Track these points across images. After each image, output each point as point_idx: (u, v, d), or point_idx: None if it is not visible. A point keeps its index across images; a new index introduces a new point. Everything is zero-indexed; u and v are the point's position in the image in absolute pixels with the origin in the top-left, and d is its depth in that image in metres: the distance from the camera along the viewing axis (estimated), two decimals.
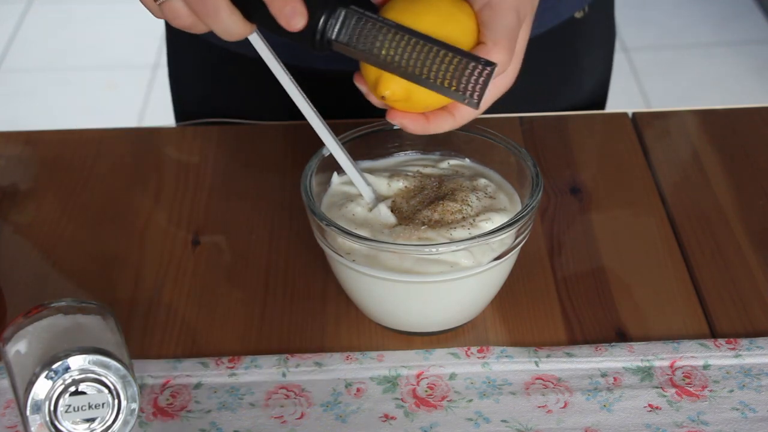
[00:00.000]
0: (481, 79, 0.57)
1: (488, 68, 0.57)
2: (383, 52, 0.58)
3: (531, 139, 0.90)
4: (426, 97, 0.61)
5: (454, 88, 0.58)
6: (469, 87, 0.57)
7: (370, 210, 0.69)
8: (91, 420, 0.59)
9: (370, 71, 0.61)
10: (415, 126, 0.63)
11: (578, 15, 0.94)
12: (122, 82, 2.57)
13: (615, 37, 1.04)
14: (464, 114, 0.63)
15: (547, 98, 0.98)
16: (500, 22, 0.60)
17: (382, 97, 0.61)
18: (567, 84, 0.99)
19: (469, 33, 0.61)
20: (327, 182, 0.72)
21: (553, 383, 0.67)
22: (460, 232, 0.67)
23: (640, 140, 0.90)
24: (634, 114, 0.93)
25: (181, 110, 1.05)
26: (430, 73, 0.58)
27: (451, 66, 0.57)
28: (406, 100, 0.61)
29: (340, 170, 0.71)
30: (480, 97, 0.57)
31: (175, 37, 1.01)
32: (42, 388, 0.58)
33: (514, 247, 0.68)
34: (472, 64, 0.57)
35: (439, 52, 0.58)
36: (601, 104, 1.05)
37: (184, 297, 0.75)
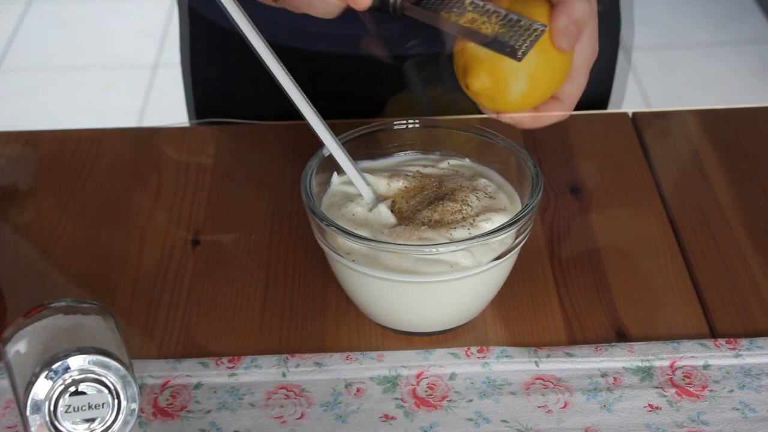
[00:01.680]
0: (529, 36, 0.62)
1: (537, 26, 0.62)
2: (444, 13, 0.63)
3: (531, 139, 0.89)
4: (509, 94, 0.64)
5: (504, 39, 0.62)
6: (517, 40, 0.62)
7: (370, 210, 0.69)
8: (91, 420, 0.59)
9: (458, 60, 0.65)
10: (527, 120, 0.66)
11: None
12: (122, 81, 2.57)
13: (620, 31, 1.03)
14: (569, 97, 0.65)
15: None
16: None
17: (467, 86, 0.65)
18: None
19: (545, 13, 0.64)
20: (327, 182, 0.72)
21: (553, 383, 0.67)
22: (460, 232, 0.67)
23: (640, 140, 0.90)
24: (634, 114, 0.93)
25: (197, 105, 1.05)
26: (481, 28, 0.62)
27: (502, 22, 0.62)
28: (491, 97, 0.64)
29: (340, 170, 0.71)
30: (525, 52, 0.61)
31: (196, 31, 1.00)
32: (42, 388, 0.58)
33: (514, 247, 0.68)
34: (522, 21, 0.62)
35: (493, 11, 0.62)
36: (604, 101, 1.05)
37: (184, 297, 0.75)
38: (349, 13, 0.64)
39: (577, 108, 0.97)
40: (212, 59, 1.00)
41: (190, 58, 1.03)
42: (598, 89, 1.03)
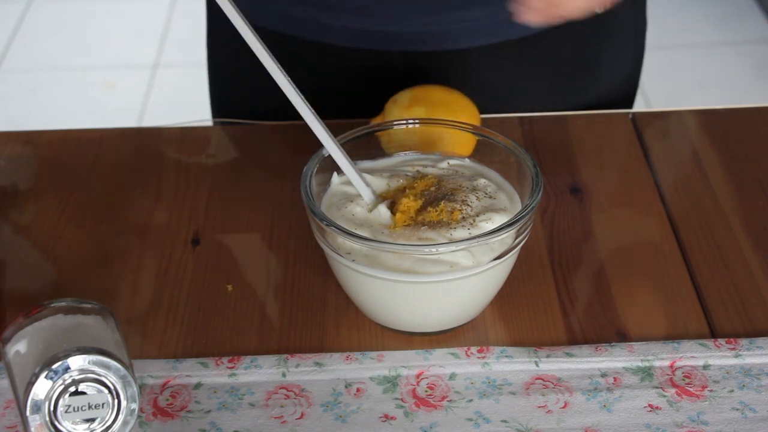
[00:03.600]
0: None
1: None
2: None
3: (531, 139, 0.90)
4: None
5: None
6: None
7: (370, 211, 0.69)
8: (91, 420, 0.59)
9: None
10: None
11: None
12: (122, 81, 2.57)
13: (645, 31, 1.02)
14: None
15: (569, 91, 0.97)
16: None
17: None
18: (591, 76, 0.98)
19: None
20: (327, 182, 0.72)
21: (553, 383, 0.67)
22: (460, 232, 0.67)
23: (640, 140, 0.90)
24: (634, 114, 0.93)
25: (219, 106, 1.05)
26: None
27: None
28: None
29: (340, 170, 0.71)
30: None
31: (218, 31, 1.00)
32: (42, 388, 0.58)
33: (514, 247, 0.68)
34: None
35: None
36: (630, 100, 1.03)
37: (184, 297, 0.75)
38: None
39: (600, 107, 0.97)
40: (230, 57, 1.00)
41: (210, 55, 1.04)
42: (625, 84, 1.02)
